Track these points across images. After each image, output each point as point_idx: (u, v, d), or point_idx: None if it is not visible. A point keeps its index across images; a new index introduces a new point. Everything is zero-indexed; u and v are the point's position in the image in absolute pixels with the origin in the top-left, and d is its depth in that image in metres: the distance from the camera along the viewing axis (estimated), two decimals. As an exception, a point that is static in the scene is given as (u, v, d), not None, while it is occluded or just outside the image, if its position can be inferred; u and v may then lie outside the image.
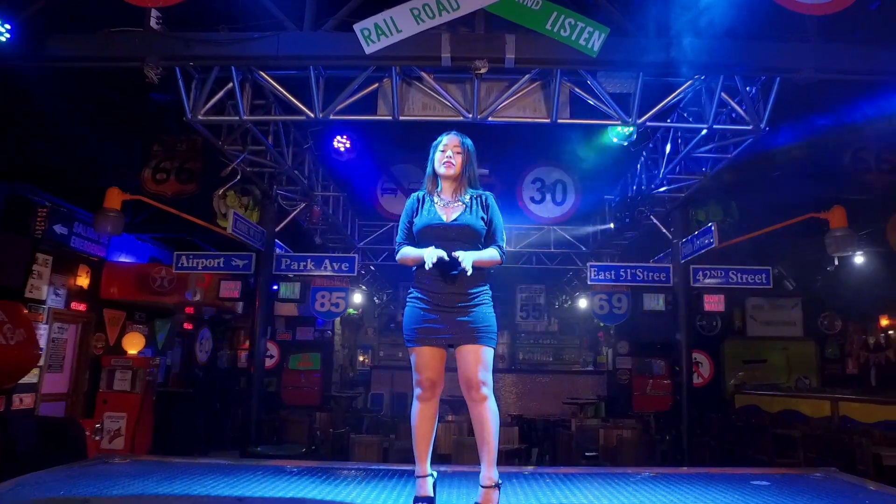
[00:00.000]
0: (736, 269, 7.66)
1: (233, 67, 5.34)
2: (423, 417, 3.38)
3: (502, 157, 9.85)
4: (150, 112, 7.68)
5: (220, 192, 7.16)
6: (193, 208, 8.18)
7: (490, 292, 3.40)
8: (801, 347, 13.81)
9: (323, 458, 7.55)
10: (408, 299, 3.38)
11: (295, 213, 8.24)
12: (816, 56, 4.93)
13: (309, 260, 8.15)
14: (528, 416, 11.93)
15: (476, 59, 5.01)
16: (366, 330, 18.07)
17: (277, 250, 8.17)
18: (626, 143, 7.09)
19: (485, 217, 3.35)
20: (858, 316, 13.31)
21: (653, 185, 7.38)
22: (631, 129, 6.84)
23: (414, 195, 3.46)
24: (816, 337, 13.87)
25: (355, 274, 8.32)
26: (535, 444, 9.85)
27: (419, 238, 3.32)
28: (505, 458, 7.50)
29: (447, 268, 3.23)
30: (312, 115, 5.53)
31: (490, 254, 3.32)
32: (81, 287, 9.50)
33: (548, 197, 10.84)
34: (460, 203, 3.38)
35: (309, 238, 9.90)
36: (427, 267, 3.11)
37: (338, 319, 15.22)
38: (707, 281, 7.60)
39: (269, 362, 12.80)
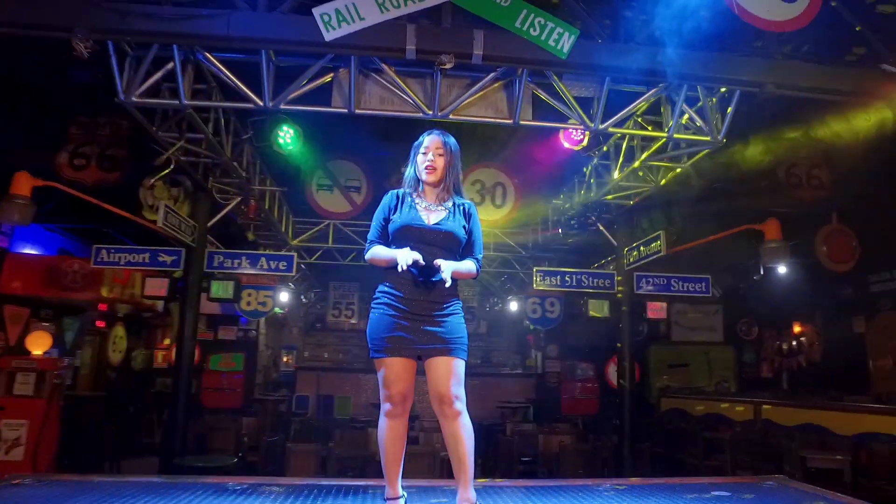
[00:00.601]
0: (678, 278, 7.80)
1: (175, 46, 4.87)
2: (393, 436, 3.12)
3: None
4: (67, 89, 7.03)
5: (151, 182, 6.58)
6: (113, 198, 7.53)
7: (461, 303, 3.20)
8: (721, 352, 14.38)
9: (258, 469, 7.12)
10: (374, 305, 3.10)
11: (230, 207, 7.72)
12: (776, 72, 5.02)
13: (244, 258, 7.65)
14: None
15: (442, 53, 4.76)
16: (290, 329, 17.46)
17: (209, 246, 7.63)
18: (577, 149, 7.06)
19: (466, 226, 3.14)
20: (774, 323, 14.00)
21: (602, 192, 7.38)
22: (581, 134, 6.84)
23: (393, 192, 3.20)
24: (735, 342, 14.48)
25: (293, 273, 7.89)
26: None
27: (395, 238, 3.07)
28: (448, 465, 7.30)
29: (425, 274, 2.99)
30: (261, 104, 5.12)
31: (468, 266, 3.12)
32: (-23, 281, 8.59)
33: (487, 199, 10.74)
34: (443, 208, 3.15)
35: (240, 234, 9.36)
36: (400, 269, 2.86)
37: (262, 318, 14.62)
38: (649, 288, 7.69)
39: (187, 363, 12.10)
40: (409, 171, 3.24)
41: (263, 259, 7.71)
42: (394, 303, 3.03)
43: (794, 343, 13.48)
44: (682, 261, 8.97)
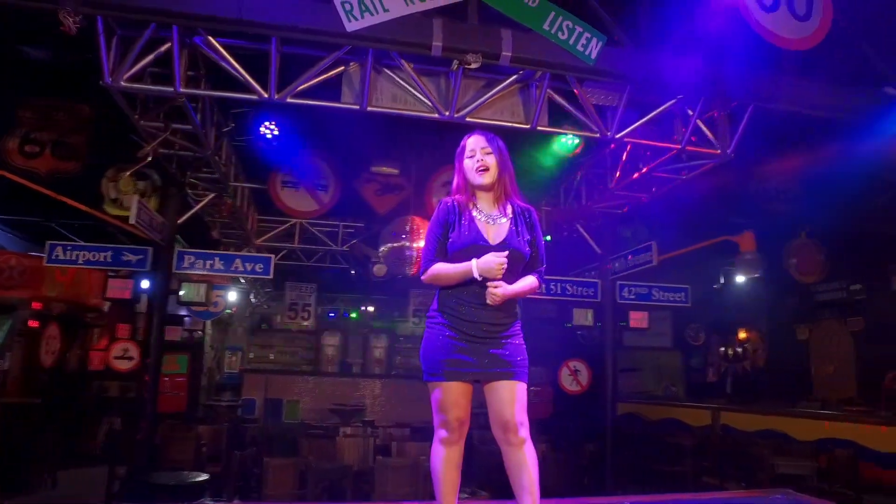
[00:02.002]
0: (658, 287, 7.87)
1: (175, 27, 4.42)
2: (450, 465, 2.88)
3: (413, 153, 9.41)
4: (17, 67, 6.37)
5: (122, 175, 6.01)
6: (67, 189, 6.87)
7: (520, 323, 3.00)
8: (669, 357, 14.76)
9: (227, 485, 6.64)
10: (430, 325, 2.86)
11: (203, 203, 7.19)
12: (789, 89, 5.08)
13: (217, 258, 7.13)
14: (417, 424, 11.54)
15: (469, 52, 4.54)
16: (235, 330, 16.70)
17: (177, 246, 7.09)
18: (569, 155, 6.99)
19: (529, 238, 2.92)
20: (720, 329, 14.49)
21: (592, 200, 7.33)
22: (578, 140, 6.77)
23: (445, 202, 2.93)
24: (683, 347, 14.89)
25: (270, 276, 7.44)
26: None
27: (457, 259, 2.81)
28: (427, 479, 7.06)
29: (483, 291, 2.80)
30: (266, 96, 4.74)
31: (530, 284, 2.90)
32: None
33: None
34: (504, 218, 2.92)
35: (203, 232, 8.79)
36: (480, 278, 2.70)
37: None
38: (631, 297, 7.72)
39: (127, 364, 11.31)
40: (457, 181, 3.01)
41: (238, 260, 7.21)
42: (452, 323, 2.80)
43: (740, 349, 13.99)
44: (652, 270, 9.10)
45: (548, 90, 5.10)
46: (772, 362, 13.45)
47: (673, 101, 5.24)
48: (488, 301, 2.74)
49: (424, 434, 9.63)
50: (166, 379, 13.51)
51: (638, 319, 7.66)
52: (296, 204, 9.77)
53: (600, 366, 8.73)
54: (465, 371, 2.76)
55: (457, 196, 2.96)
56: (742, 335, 14.04)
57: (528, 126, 5.15)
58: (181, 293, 7.14)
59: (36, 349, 11.41)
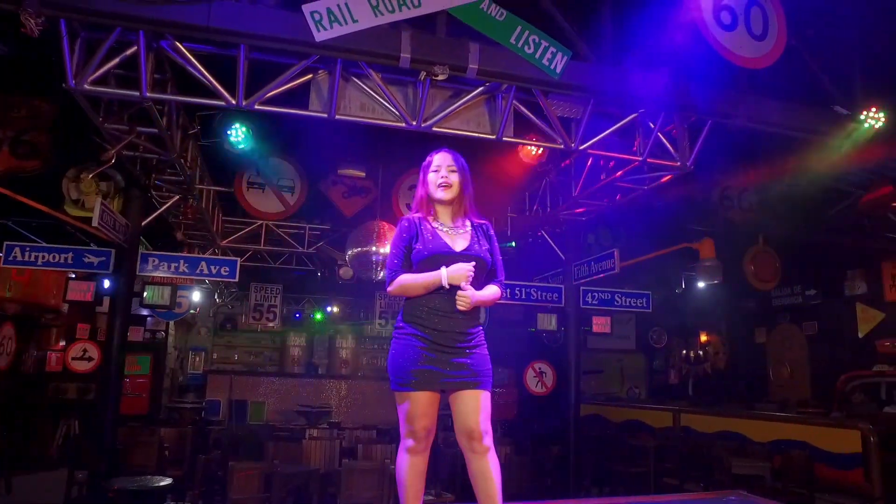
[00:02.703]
0: (621, 293, 8.04)
1: (141, 32, 4.38)
2: (415, 473, 2.97)
3: (381, 157, 9.43)
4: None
5: (84, 176, 5.91)
6: (25, 188, 6.72)
7: (484, 333, 3.11)
8: (633, 359, 15.06)
9: (192, 489, 6.60)
10: (397, 335, 2.95)
11: (168, 206, 7.11)
12: (748, 105, 5.25)
13: (182, 261, 7.06)
14: (382, 426, 11.55)
15: (436, 63, 4.61)
16: (198, 330, 16.49)
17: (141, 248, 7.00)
18: (534, 164, 7.10)
19: (489, 248, 3.05)
20: (682, 332, 14.83)
21: (557, 207, 7.46)
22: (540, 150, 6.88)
23: (408, 219, 3.04)
24: (646, 350, 15.20)
25: (236, 279, 7.39)
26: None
27: (422, 268, 2.92)
28: (391, 483, 7.10)
29: (449, 301, 2.89)
30: (234, 102, 4.72)
31: (493, 292, 3.02)
32: None
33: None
34: (464, 230, 3.05)
35: (166, 232, 8.67)
36: (447, 286, 2.80)
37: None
38: (594, 303, 7.88)
39: (85, 365, 11.09)
40: (419, 193, 3.12)
41: (204, 263, 7.15)
42: (420, 333, 2.88)
43: (701, 352, 14.35)
44: (616, 274, 9.30)
45: (513, 101, 5.19)
46: (732, 365, 13.83)
47: (635, 115, 5.38)
48: (458, 306, 2.83)
49: (391, 436, 9.69)
50: (127, 380, 13.30)
51: (601, 325, 7.82)
52: (261, 205, 9.69)
53: (565, 368, 8.87)
54: (433, 381, 2.83)
55: (417, 212, 3.07)
56: (703, 338, 14.40)
57: (494, 136, 5.23)
58: (145, 295, 7.06)
59: (-11, 350, 11.12)
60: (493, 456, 2.93)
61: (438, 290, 2.85)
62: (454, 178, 3.02)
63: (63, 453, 10.52)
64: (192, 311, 13.44)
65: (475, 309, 2.93)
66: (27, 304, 9.76)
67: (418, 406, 2.86)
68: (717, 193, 8.45)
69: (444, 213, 3.04)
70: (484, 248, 3.02)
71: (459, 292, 2.83)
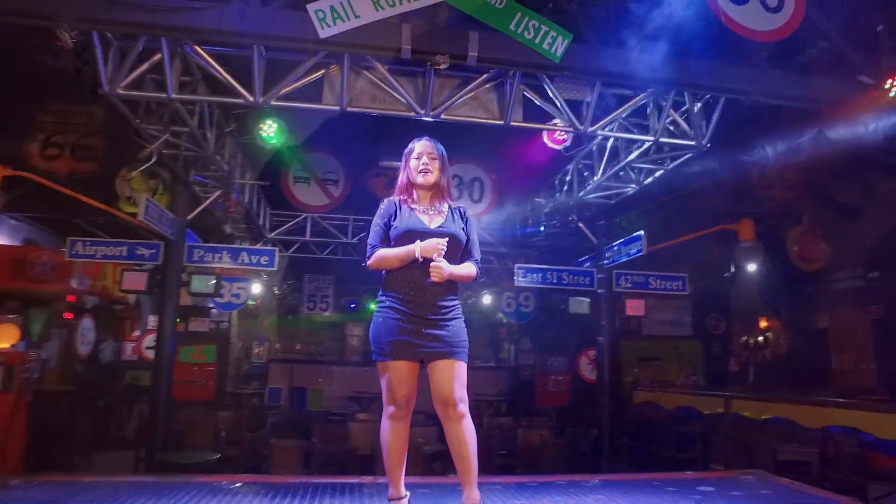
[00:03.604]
0: (655, 275, 7.95)
1: (163, 39, 4.76)
2: (396, 438, 3.17)
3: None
4: (35, 75, 6.78)
5: (133, 174, 6.43)
6: (86, 188, 7.32)
7: (461, 306, 3.27)
8: (690, 346, 14.69)
9: (240, 465, 7.06)
10: (378, 308, 3.16)
11: (210, 200, 7.59)
12: (762, 81, 5.14)
13: (225, 252, 7.53)
14: (431, 411, 11.79)
15: (437, 53, 4.77)
16: (262, 321, 17.25)
17: (188, 240, 7.50)
18: (559, 148, 7.13)
19: (464, 228, 3.22)
20: (741, 318, 14.35)
21: (583, 191, 7.46)
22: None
23: (389, 200, 3.27)
24: (703, 337, 14.80)
25: (275, 268, 7.82)
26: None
27: (398, 243, 3.13)
28: (430, 459, 7.36)
29: (424, 275, 3.06)
30: (252, 100, 5.05)
31: (468, 268, 3.19)
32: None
33: (465, 194, 10.77)
34: (441, 212, 3.24)
35: (216, 226, 9.20)
36: (420, 259, 2.99)
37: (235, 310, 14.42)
38: (628, 286, 7.82)
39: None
40: (401, 178, 3.31)
41: (245, 253, 7.61)
42: (397, 306, 3.08)
43: (761, 338, 13.84)
44: (658, 258, 9.15)
45: (520, 86, 5.29)
46: (792, 351, 13.28)
47: (644, 95, 5.35)
48: (432, 277, 3.01)
49: (434, 420, 9.93)
50: (195, 368, 14.14)
51: (635, 307, 7.76)
52: (308, 198, 10.15)
53: (600, 350, 8.85)
54: (410, 351, 3.03)
55: (399, 195, 3.27)
56: (763, 324, 13.89)
57: (502, 122, 5.35)
58: (191, 285, 7.56)
59: (72, 340, 12.10)
60: (469, 422, 3.11)
61: (414, 264, 3.04)
62: (434, 165, 3.22)
63: (137, 435, 11.35)
64: (252, 303, 14.11)
65: (451, 283, 3.10)
66: (98, 296, 10.55)
67: (397, 375, 3.07)
68: (755, 174, 8.20)
69: (423, 197, 3.25)
70: (458, 226, 3.19)
71: (433, 264, 3.01)
